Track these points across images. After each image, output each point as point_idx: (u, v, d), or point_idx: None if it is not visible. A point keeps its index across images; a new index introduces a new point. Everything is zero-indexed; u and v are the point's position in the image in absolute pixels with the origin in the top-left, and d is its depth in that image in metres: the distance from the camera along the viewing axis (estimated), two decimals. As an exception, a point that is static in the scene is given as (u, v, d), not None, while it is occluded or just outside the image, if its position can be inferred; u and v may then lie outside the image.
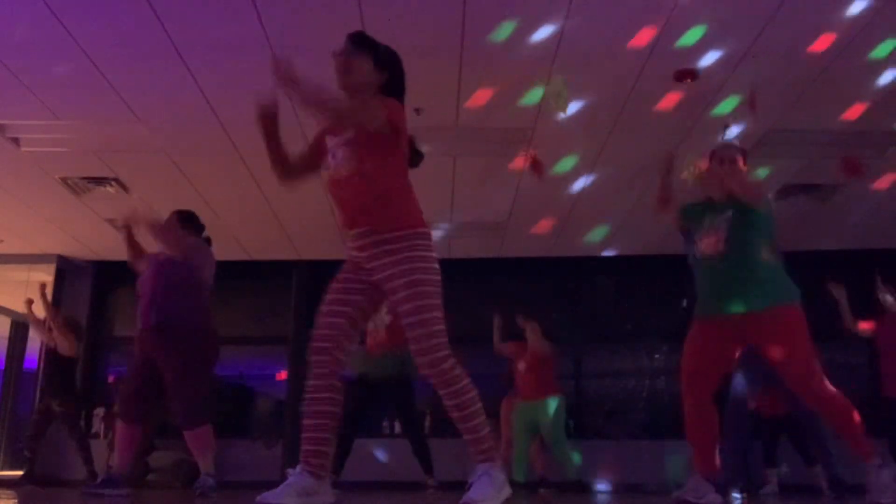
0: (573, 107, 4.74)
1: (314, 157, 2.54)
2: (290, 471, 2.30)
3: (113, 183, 6.17)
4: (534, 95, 4.77)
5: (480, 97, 4.79)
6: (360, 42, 2.43)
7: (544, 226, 7.17)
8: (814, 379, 2.99)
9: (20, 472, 6.56)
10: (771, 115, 4.97)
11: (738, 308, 3.02)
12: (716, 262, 3.10)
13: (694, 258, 3.30)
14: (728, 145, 3.47)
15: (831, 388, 2.99)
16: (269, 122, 2.44)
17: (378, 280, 2.32)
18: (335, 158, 2.38)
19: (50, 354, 6.47)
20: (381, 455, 7.24)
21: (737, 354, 3.19)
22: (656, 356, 8.26)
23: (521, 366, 6.01)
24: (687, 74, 4.52)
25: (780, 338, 3.01)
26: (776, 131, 5.24)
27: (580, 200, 6.46)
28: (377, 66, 2.42)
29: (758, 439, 5.70)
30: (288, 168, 2.52)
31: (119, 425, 3.99)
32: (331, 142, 2.43)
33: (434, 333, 2.23)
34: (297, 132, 5.27)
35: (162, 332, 3.99)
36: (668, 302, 7.96)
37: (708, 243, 3.14)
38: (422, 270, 2.26)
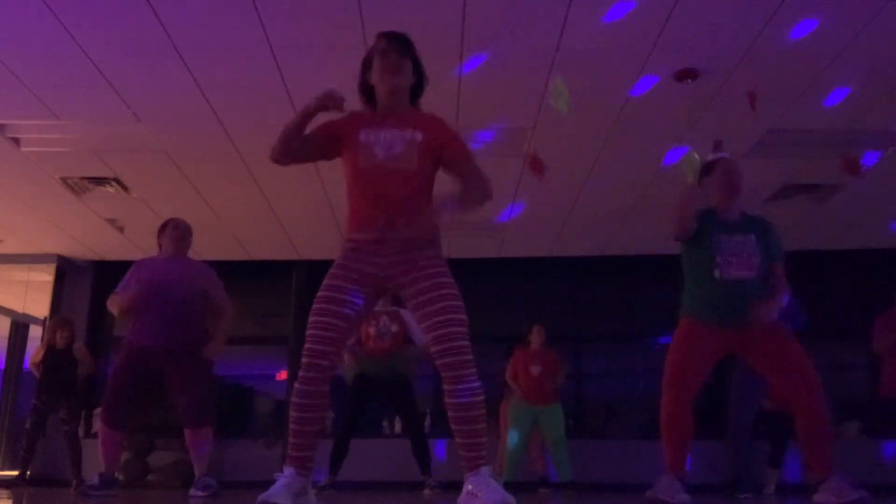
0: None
1: (317, 147, 2.46)
2: (278, 473, 2.30)
3: (113, 183, 6.17)
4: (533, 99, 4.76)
5: (480, 97, 4.78)
6: (406, 44, 2.45)
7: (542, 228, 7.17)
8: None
9: (16, 472, 6.54)
10: (771, 114, 4.97)
11: (745, 320, 3.08)
12: (743, 282, 3.12)
13: (703, 271, 3.19)
14: (730, 159, 3.42)
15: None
16: (328, 108, 2.36)
17: (392, 274, 2.34)
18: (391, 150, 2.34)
19: (50, 354, 6.45)
20: (380, 455, 7.23)
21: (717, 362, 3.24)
22: (656, 356, 8.25)
23: (534, 370, 6.23)
24: (687, 74, 4.51)
25: (774, 346, 3.10)
26: (776, 131, 5.23)
27: (579, 201, 6.46)
28: (413, 70, 2.47)
29: (792, 438, 5.41)
30: (294, 148, 2.42)
31: (103, 429, 3.96)
32: (370, 135, 2.37)
33: None
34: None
35: (179, 354, 4.01)
36: (668, 302, 7.94)
37: (740, 266, 3.13)
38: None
